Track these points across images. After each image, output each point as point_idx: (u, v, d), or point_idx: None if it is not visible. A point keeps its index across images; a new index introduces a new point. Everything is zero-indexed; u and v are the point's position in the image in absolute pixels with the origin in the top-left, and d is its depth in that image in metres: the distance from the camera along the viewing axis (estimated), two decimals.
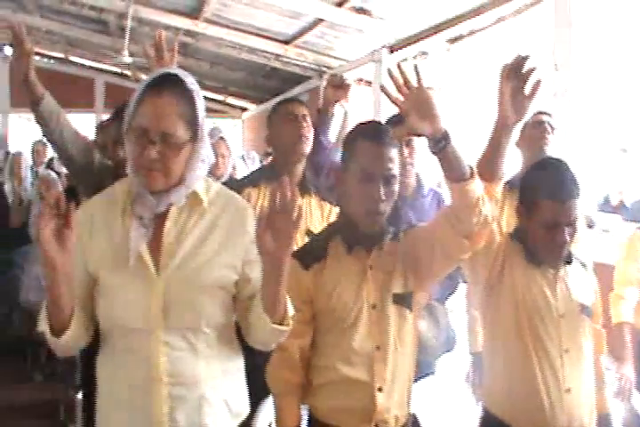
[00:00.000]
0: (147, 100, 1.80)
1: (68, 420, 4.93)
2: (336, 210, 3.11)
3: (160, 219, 1.88)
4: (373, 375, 2.19)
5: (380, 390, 2.19)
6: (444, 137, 1.98)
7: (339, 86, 3.15)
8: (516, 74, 2.11)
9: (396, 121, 3.08)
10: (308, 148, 3.10)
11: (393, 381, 2.22)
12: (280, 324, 1.82)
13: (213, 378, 1.91)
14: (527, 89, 2.12)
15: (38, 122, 2.92)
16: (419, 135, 2.03)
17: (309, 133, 3.10)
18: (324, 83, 8.31)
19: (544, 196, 2.35)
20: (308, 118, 3.12)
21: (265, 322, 1.81)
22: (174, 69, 1.88)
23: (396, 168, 2.17)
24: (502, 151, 2.20)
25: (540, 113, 3.43)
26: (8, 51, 14.11)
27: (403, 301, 2.23)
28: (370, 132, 2.20)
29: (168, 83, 1.81)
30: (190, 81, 1.85)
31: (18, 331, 5.94)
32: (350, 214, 2.24)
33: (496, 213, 2.19)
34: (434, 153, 2.02)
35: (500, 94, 2.14)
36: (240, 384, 2.03)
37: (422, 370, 2.55)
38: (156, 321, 1.83)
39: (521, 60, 2.10)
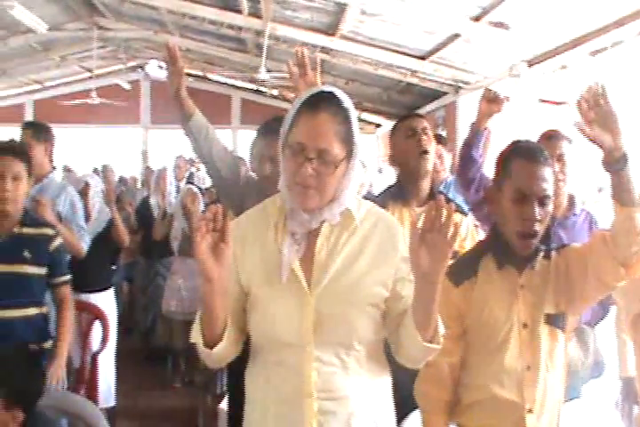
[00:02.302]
0: (303, 117, 1.82)
1: None
2: (467, 221, 3.08)
3: (312, 235, 1.89)
4: (523, 396, 2.16)
5: (530, 411, 2.15)
6: (624, 158, 1.94)
7: (492, 100, 3.10)
8: None
9: (548, 136, 3.02)
10: (430, 164, 3.07)
11: (543, 403, 2.17)
12: (430, 342, 1.79)
13: (362, 394, 1.90)
14: None
15: (188, 137, 3.02)
16: (599, 146, 1.98)
17: (431, 147, 3.07)
18: (461, 98, 8.29)
19: None
20: (429, 131, 3.10)
21: (416, 340, 1.77)
22: (329, 87, 1.89)
23: (550, 188, 2.13)
24: None
25: None
26: (149, 69, 14.73)
27: (555, 321, 2.19)
28: (525, 152, 2.18)
29: (324, 100, 1.82)
30: (345, 99, 1.86)
31: (160, 339, 6.14)
32: (503, 233, 2.21)
33: None
34: (608, 171, 1.98)
35: None
36: (387, 401, 2.01)
37: (568, 394, 2.47)
38: (307, 337, 1.84)
39: None
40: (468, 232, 3.06)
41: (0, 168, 3.20)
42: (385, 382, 2.00)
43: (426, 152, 3.04)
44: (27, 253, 3.21)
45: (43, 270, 3.28)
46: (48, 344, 3.32)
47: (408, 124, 3.13)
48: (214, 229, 1.70)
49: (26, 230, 3.25)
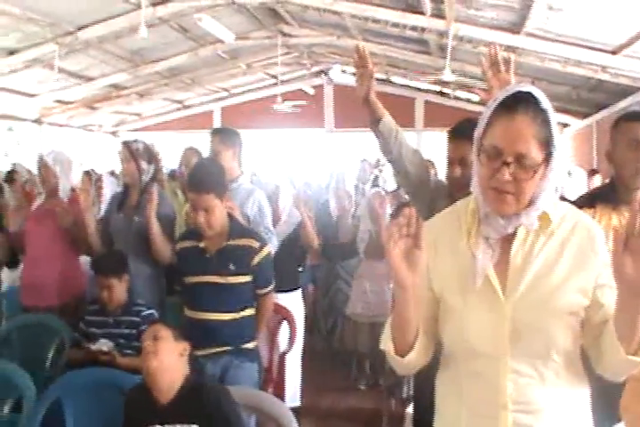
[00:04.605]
0: (500, 119, 1.73)
1: None
2: None
3: (507, 239, 1.80)
4: None
5: None
6: None
7: None
8: None
9: None
10: None
11: None
12: (634, 354, 1.67)
13: (559, 407, 1.80)
14: None
15: (378, 139, 3.03)
16: None
17: None
18: None
19: None
20: None
21: (618, 352, 1.67)
22: (527, 87, 1.79)
23: None
24: None
25: None
26: (333, 74, 15.03)
27: None
28: None
29: (522, 101, 1.73)
30: (544, 99, 1.75)
31: (345, 342, 6.20)
32: None
33: None
34: None
35: None
36: (585, 414, 1.89)
37: None
38: (502, 347, 1.77)
39: None
40: None
41: (192, 202, 3.44)
42: (583, 394, 1.89)
43: None
44: (231, 266, 3.39)
45: (249, 277, 3.45)
46: (250, 345, 3.49)
47: (634, 132, 2.85)
48: (408, 235, 1.66)
49: (231, 242, 3.42)
